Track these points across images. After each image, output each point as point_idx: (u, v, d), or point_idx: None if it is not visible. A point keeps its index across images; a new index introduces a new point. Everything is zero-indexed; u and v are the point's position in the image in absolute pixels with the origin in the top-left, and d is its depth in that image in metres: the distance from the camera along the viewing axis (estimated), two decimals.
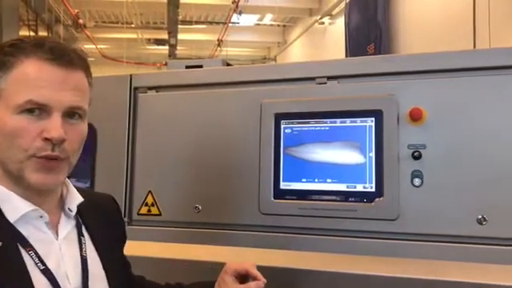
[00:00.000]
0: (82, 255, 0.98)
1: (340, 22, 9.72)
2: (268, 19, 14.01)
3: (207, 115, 1.73)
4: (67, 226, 1.00)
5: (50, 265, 0.91)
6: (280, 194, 1.57)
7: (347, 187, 1.50)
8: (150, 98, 1.84)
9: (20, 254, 0.88)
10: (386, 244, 1.47)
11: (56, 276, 0.90)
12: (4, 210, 0.90)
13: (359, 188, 1.49)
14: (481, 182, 1.41)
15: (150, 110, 1.82)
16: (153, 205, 1.76)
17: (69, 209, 1.00)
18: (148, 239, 1.74)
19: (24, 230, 0.90)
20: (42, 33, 11.75)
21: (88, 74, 0.98)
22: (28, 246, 0.89)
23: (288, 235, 1.58)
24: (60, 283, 0.90)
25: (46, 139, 0.87)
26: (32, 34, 10.63)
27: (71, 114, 0.92)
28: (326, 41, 11.36)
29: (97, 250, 1.03)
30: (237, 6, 11.28)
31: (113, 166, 1.82)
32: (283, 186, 1.58)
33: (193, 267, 1.62)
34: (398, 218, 1.45)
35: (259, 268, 1.55)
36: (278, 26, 14.67)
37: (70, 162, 0.94)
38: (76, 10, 11.95)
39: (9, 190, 0.92)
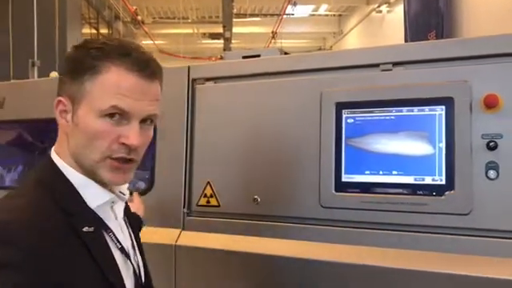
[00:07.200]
0: (129, 232, 1.10)
1: (398, 10, 9.39)
2: (323, 9, 13.78)
3: (266, 105, 1.69)
4: (121, 208, 1.08)
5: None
6: (342, 186, 1.52)
7: (415, 180, 1.42)
8: (207, 89, 1.83)
9: (104, 237, 0.98)
10: (457, 240, 1.38)
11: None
12: (84, 196, 0.97)
13: (428, 181, 1.41)
14: None
15: (208, 101, 1.81)
16: (211, 196, 1.75)
17: (121, 192, 1.07)
18: (207, 230, 1.75)
19: (100, 214, 0.99)
20: (103, 30, 12.18)
21: (162, 82, 1.03)
22: (108, 229, 0.99)
23: (349, 229, 1.53)
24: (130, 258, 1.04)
25: (124, 144, 0.95)
26: (93, 31, 11.06)
27: (145, 119, 0.98)
28: (384, 30, 11.03)
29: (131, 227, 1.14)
30: None
31: (172, 156, 1.82)
32: (345, 178, 1.52)
33: (250, 260, 1.61)
34: (471, 212, 1.36)
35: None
36: (334, 15, 14.39)
37: (138, 163, 1.02)
38: (134, 7, 12.27)
39: (86, 176, 0.98)
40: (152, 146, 1.87)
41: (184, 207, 1.79)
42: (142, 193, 1.84)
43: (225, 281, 1.65)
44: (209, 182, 1.76)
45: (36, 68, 3.67)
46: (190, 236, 1.76)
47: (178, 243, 1.73)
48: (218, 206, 1.74)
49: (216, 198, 1.75)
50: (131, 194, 1.45)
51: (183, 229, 1.79)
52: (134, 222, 1.18)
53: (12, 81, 2.55)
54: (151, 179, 1.87)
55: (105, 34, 12.52)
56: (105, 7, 11.81)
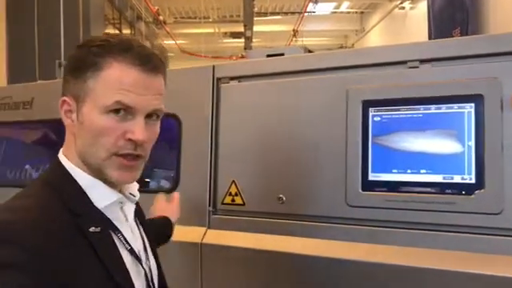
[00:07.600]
0: (141, 235, 1.08)
1: (422, 7, 9.24)
2: (345, 6, 13.66)
3: (290, 104, 1.69)
4: (132, 210, 1.06)
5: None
6: (368, 185, 1.50)
7: (443, 178, 1.40)
8: (232, 88, 1.83)
9: (112, 238, 0.96)
10: (487, 240, 1.35)
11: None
12: (92, 197, 0.96)
13: (457, 179, 1.38)
14: None
15: (233, 100, 1.81)
16: (236, 194, 1.75)
17: (131, 194, 1.06)
18: (231, 229, 1.75)
19: (108, 215, 0.98)
20: (126, 30, 12.32)
21: (165, 75, 1.02)
22: (117, 230, 0.97)
23: (376, 229, 1.51)
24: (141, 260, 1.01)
25: (130, 140, 0.93)
26: (116, 31, 11.19)
27: (151, 115, 0.97)
28: (407, 27, 10.87)
29: (144, 230, 1.12)
30: None
31: (197, 155, 1.83)
32: (372, 177, 1.50)
33: (276, 258, 1.60)
34: (502, 212, 1.33)
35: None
36: (356, 13, 14.26)
37: (145, 160, 1.00)
38: (156, 7, 12.38)
39: (93, 177, 0.97)
40: (177, 144, 1.88)
41: (209, 206, 1.80)
42: (168, 191, 1.85)
43: (250, 279, 1.65)
44: (234, 181, 1.77)
45: (63, 68, 3.75)
46: (215, 234, 1.76)
47: (204, 241, 1.75)
48: (243, 204, 1.75)
49: (241, 196, 1.75)
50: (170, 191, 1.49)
51: (209, 227, 1.80)
52: (150, 228, 1.16)
53: (39, 81, 2.60)
54: (176, 178, 1.88)
55: (127, 34, 12.67)
56: (127, 8, 11.94)
